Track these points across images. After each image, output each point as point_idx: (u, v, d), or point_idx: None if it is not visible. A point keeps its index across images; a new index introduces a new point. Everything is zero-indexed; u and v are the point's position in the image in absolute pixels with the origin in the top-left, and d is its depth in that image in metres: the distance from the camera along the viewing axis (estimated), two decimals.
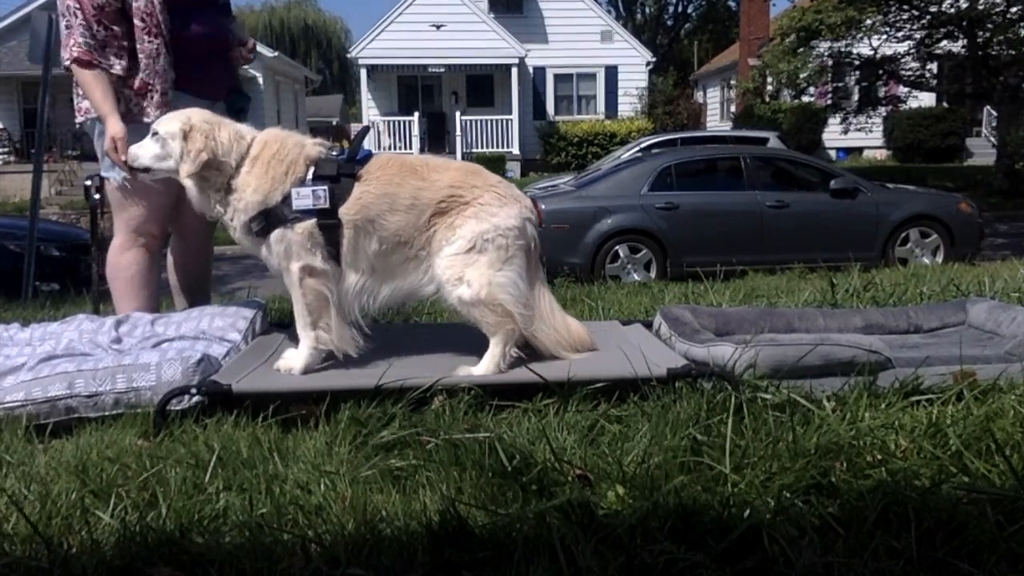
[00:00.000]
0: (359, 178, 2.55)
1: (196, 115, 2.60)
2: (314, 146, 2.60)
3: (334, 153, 2.61)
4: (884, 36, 17.66)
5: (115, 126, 2.90)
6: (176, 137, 2.55)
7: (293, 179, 2.52)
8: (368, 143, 2.87)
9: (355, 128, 33.34)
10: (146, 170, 2.66)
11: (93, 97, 2.95)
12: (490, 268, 2.50)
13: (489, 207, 2.55)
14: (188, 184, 2.57)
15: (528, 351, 2.65)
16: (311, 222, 2.51)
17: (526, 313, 2.56)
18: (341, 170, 2.54)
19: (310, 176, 2.53)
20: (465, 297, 2.51)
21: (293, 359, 2.59)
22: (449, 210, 2.55)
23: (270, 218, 2.53)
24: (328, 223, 2.51)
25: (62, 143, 21.32)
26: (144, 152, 2.63)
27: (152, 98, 3.02)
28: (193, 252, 3.42)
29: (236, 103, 3.39)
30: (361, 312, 2.62)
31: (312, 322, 2.59)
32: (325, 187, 2.50)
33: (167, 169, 2.61)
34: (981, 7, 15.84)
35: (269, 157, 2.54)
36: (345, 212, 2.52)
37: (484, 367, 2.52)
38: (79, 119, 3.13)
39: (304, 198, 2.49)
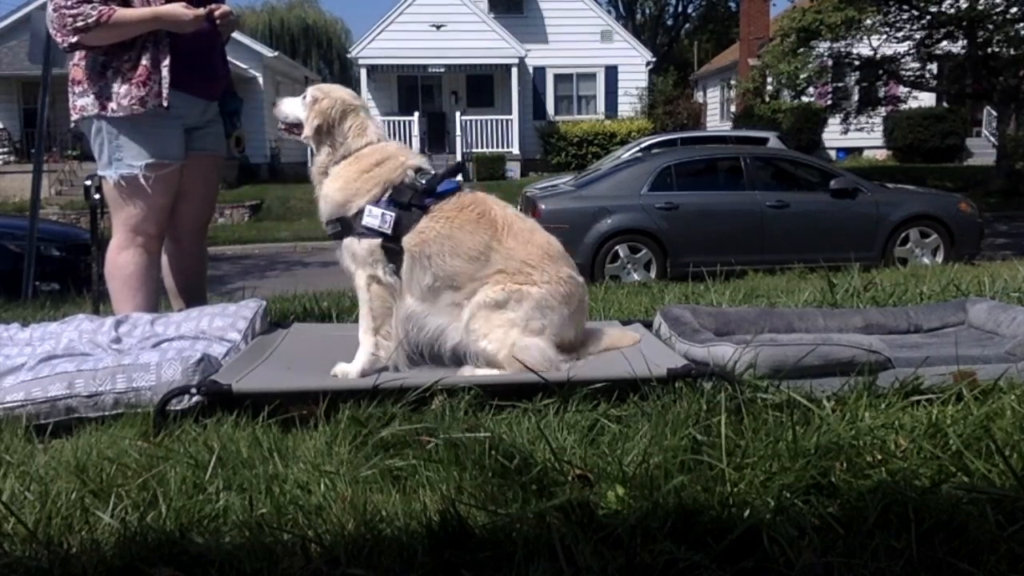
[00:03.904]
0: (429, 211, 2.58)
1: (338, 91, 2.72)
2: (402, 170, 2.62)
3: (421, 181, 2.62)
4: (884, 36, 17.68)
5: (170, 6, 2.97)
6: (309, 103, 2.67)
7: (368, 199, 2.57)
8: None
9: None
10: (287, 125, 2.75)
11: (133, 17, 2.94)
12: (520, 332, 2.51)
13: (550, 299, 2.55)
14: (312, 150, 2.70)
15: None
16: (376, 241, 2.57)
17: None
18: (412, 200, 2.58)
19: (385, 197, 2.58)
20: (487, 353, 2.54)
21: (350, 365, 2.58)
22: (511, 275, 2.56)
23: (343, 225, 2.61)
24: (390, 247, 2.57)
25: (62, 143, 21.31)
26: (291, 110, 2.74)
27: (149, 88, 3.01)
28: (188, 254, 3.42)
29: (229, 105, 3.39)
30: (406, 338, 2.63)
31: (375, 328, 2.61)
32: (393, 214, 2.55)
33: (300, 132, 2.72)
34: (981, 7, 15.86)
35: (368, 167, 2.61)
36: (407, 241, 2.57)
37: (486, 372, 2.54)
38: (74, 117, 3.10)
39: (373, 217, 2.56)
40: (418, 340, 2.64)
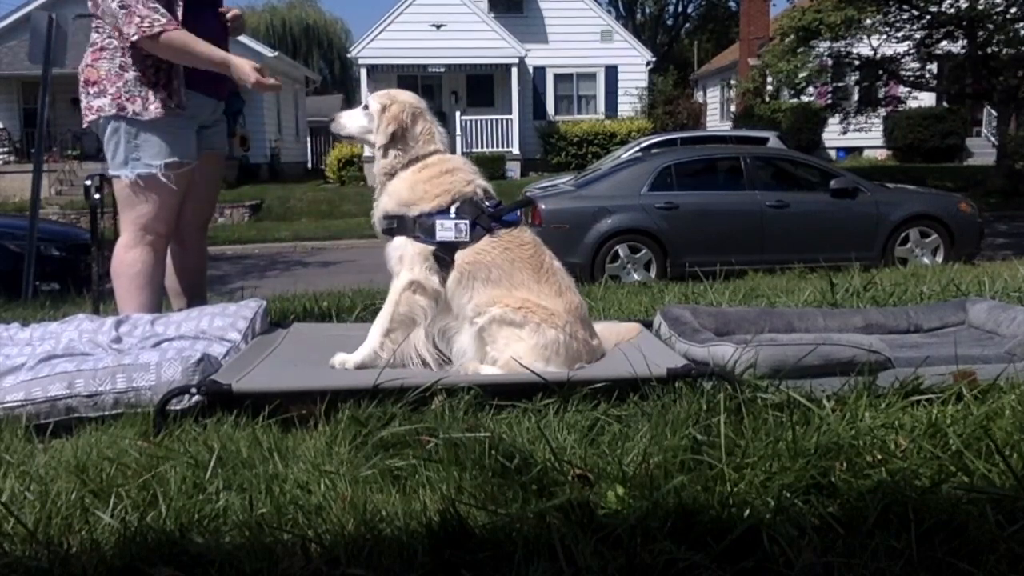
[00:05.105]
0: (491, 235, 2.60)
1: (403, 95, 2.73)
2: (473, 187, 2.65)
3: (487, 203, 2.65)
4: (884, 36, 17.67)
5: (241, 60, 3.03)
6: (377, 110, 2.67)
7: (435, 205, 2.59)
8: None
9: None
10: (351, 137, 2.80)
11: (199, 50, 2.99)
12: (524, 351, 2.52)
13: (561, 347, 2.54)
14: (378, 156, 2.70)
15: None
16: (430, 247, 2.58)
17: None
18: (479, 220, 2.59)
19: (453, 210, 2.59)
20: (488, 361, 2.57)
21: (350, 355, 2.60)
22: (535, 311, 2.56)
23: (400, 223, 2.62)
24: (440, 256, 2.58)
25: (62, 143, 21.32)
26: (352, 122, 2.75)
27: (167, 90, 3.04)
28: (190, 251, 3.45)
29: (233, 105, 3.43)
30: (433, 348, 2.65)
31: (388, 330, 2.61)
32: (467, 223, 2.57)
33: (367, 140, 2.73)
34: (981, 7, 15.85)
35: (437, 174, 2.63)
36: (461, 257, 2.58)
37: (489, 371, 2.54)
38: (90, 118, 3.11)
39: (447, 231, 2.57)
40: (446, 351, 2.66)
